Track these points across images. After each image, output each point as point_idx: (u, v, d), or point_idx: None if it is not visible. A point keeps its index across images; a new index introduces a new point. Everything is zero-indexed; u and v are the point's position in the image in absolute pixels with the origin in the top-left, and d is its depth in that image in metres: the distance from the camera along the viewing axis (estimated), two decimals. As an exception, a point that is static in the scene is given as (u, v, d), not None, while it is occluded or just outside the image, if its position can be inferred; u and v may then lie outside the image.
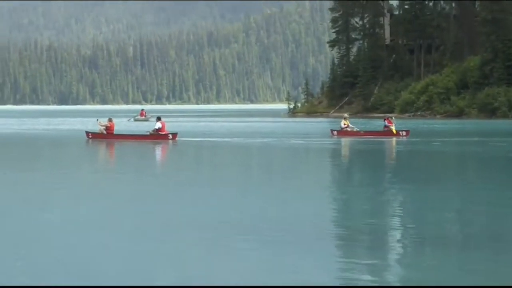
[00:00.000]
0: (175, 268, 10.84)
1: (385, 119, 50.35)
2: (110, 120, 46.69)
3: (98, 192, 20.35)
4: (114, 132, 46.24)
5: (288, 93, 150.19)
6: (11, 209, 16.75)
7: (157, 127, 44.65)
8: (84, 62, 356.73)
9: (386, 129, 48.83)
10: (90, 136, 45.92)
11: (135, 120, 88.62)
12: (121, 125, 70.08)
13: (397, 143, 42.66)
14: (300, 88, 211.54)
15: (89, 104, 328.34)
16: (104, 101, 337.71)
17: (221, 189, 20.82)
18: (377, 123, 70.54)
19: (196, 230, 13.67)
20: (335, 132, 49.32)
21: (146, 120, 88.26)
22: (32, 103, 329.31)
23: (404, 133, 47.85)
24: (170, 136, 44.07)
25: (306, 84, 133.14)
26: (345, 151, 38.55)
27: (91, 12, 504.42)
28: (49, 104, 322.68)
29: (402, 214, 16.07)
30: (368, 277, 10.26)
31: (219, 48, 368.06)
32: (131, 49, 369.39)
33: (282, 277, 10.22)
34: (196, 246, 12.28)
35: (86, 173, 26.26)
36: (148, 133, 45.50)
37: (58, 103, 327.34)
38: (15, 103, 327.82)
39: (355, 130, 49.71)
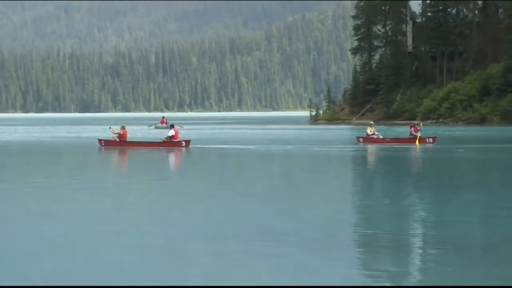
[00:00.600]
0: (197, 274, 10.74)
1: (411, 126, 50.05)
2: (123, 127, 46.47)
3: (106, 200, 20.23)
4: (127, 140, 46.02)
5: (310, 100, 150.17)
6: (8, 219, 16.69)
7: (170, 135, 44.65)
8: (106, 70, 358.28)
9: (411, 136, 48.51)
10: (103, 144, 45.68)
11: (156, 127, 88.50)
12: (142, 133, 70.24)
13: (424, 150, 42.37)
14: (322, 96, 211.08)
15: (111, 112, 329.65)
16: (126, 109, 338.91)
17: (247, 197, 20.65)
18: (400, 130, 70.24)
19: (215, 239, 13.52)
20: (361, 139, 49.15)
21: (167, 127, 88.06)
22: (54, 111, 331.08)
23: (430, 140, 47.56)
24: (184, 144, 43.92)
25: (328, 91, 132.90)
26: (372, 158, 38.25)
27: (114, 20, 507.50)
28: (71, 112, 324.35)
29: (431, 221, 15.84)
30: (385, 282, 10.11)
31: (241, 56, 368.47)
32: (153, 56, 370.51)
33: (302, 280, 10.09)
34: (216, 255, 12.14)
35: (96, 180, 26.05)
36: (161, 141, 45.43)
37: (80, 111, 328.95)
38: (38, 111, 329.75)
39: (380, 137, 49.54)
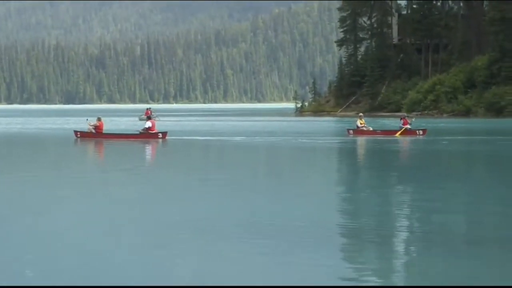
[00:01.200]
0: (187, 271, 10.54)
1: (401, 119, 50.03)
2: (99, 119, 46.26)
3: (83, 193, 20.02)
4: (103, 131, 45.82)
5: (295, 92, 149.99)
6: None
7: (147, 126, 44.70)
8: (91, 61, 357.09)
9: (401, 127, 48.43)
10: (79, 135, 45.43)
11: (140, 119, 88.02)
12: (128, 124, 69.87)
13: (415, 142, 42.43)
14: (307, 88, 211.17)
15: (96, 103, 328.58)
16: (111, 101, 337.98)
17: (227, 189, 20.48)
18: (386, 122, 70.24)
19: (202, 233, 13.34)
20: (351, 131, 49.13)
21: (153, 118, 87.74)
22: (39, 102, 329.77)
23: (421, 132, 47.61)
24: (160, 135, 43.85)
25: (314, 83, 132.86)
26: (362, 150, 38.14)
27: (99, 11, 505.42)
28: (56, 104, 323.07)
29: (420, 215, 15.74)
30: (373, 278, 9.96)
31: (226, 48, 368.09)
32: (138, 48, 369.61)
33: (292, 278, 9.92)
34: (204, 249, 11.96)
35: (71, 173, 25.73)
36: (138, 132, 45.31)
37: (65, 103, 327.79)
38: (22, 102, 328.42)
39: (371, 129, 49.60)
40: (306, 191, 19.99)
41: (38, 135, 55.34)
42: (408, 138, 45.20)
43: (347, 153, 36.51)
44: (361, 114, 55.24)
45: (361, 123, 49.43)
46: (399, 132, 47.67)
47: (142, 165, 29.84)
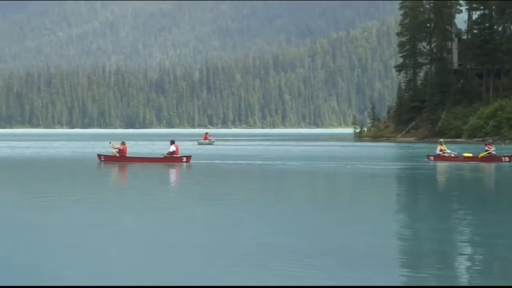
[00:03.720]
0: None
1: (485, 144, 49.29)
2: (123, 143, 46.76)
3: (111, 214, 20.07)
4: (127, 155, 46.23)
5: (354, 117, 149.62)
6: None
7: (171, 150, 45.20)
8: (151, 86, 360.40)
9: (487, 153, 47.61)
10: (103, 159, 45.95)
11: (199, 144, 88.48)
12: (190, 150, 70.05)
13: (500, 168, 41.47)
14: (366, 113, 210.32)
15: (156, 128, 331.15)
16: (170, 125, 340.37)
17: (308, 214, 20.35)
18: (466, 148, 69.27)
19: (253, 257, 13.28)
20: (431, 157, 48.44)
21: (210, 143, 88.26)
22: (99, 126, 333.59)
23: (507, 158, 46.68)
24: (184, 159, 44.53)
25: (373, 108, 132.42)
26: (443, 177, 37.08)
27: (158, 37, 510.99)
28: (116, 128, 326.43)
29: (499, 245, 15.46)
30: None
31: (285, 72, 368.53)
32: (197, 73, 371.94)
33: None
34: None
35: (91, 196, 25.94)
36: (162, 156, 45.88)
37: (125, 127, 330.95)
38: (83, 126, 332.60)
39: (452, 155, 48.75)
40: (392, 218, 19.70)
41: (66, 158, 56.05)
42: (493, 165, 44.26)
43: (430, 179, 35.37)
44: (441, 140, 54.79)
45: (441, 150, 48.86)
46: (482, 154, 46.99)
47: (186, 188, 29.75)
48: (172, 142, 45.82)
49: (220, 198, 25.17)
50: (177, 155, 45.08)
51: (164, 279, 11.73)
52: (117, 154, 45.95)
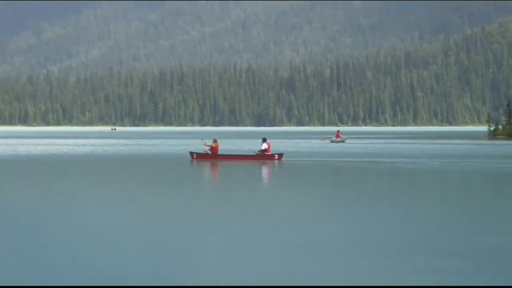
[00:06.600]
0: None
1: None
2: (215, 141, 47.18)
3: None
4: (219, 153, 46.79)
5: (488, 115, 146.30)
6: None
7: (263, 148, 45.83)
8: (282, 84, 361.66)
9: None
10: (195, 157, 46.76)
11: (332, 141, 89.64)
12: (315, 147, 69.26)
13: None
14: (501, 110, 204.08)
15: (286, 125, 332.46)
16: (300, 123, 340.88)
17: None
18: None
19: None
20: None
21: (342, 141, 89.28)
22: (230, 124, 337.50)
23: None
24: (276, 157, 45.22)
25: (508, 105, 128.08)
26: None
27: (289, 35, 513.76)
28: (246, 126, 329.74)
29: None
30: None
31: (417, 70, 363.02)
32: (328, 71, 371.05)
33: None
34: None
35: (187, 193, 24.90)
36: (254, 154, 46.72)
37: (255, 125, 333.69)
38: (215, 124, 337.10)
39: None
40: None
41: (161, 155, 57.39)
42: None
43: None
44: None
45: None
46: None
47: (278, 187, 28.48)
48: (264, 140, 46.24)
49: (335, 196, 23.87)
50: (269, 153, 45.74)
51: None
52: (209, 152, 46.55)
